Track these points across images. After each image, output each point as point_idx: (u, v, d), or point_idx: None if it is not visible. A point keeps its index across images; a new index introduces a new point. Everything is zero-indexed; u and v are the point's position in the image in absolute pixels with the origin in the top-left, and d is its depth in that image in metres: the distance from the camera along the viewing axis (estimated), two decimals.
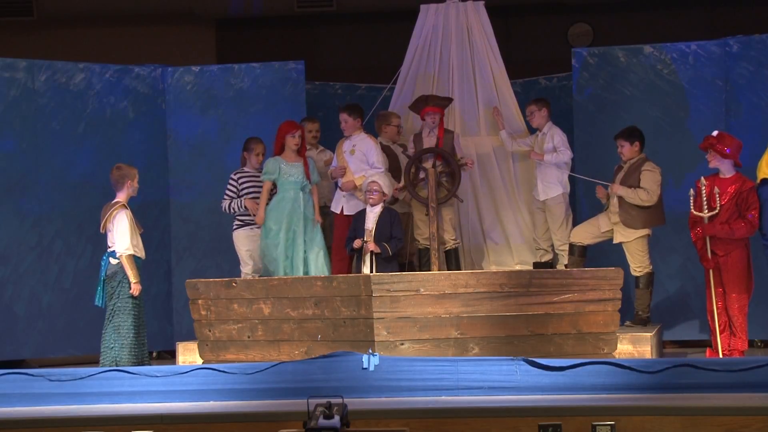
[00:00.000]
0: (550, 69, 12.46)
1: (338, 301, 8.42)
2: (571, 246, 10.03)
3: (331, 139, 10.86)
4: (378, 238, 9.59)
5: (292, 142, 9.94)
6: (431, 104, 10.08)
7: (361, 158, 10.10)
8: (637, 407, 6.84)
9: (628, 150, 9.81)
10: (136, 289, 8.87)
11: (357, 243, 9.67)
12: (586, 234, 10.01)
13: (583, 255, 10.05)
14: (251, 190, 10.16)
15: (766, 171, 9.10)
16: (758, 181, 9.13)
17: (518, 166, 10.68)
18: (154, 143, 11.32)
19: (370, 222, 9.67)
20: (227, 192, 10.20)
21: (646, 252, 9.83)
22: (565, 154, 10.15)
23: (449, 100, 10.28)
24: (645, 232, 9.80)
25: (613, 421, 6.59)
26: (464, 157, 10.13)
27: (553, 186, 10.20)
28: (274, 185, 10.00)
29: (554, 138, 10.19)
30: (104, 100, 11.13)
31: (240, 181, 10.18)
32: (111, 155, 10.68)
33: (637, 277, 9.83)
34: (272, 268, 9.89)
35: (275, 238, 9.88)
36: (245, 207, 10.08)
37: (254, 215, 10.04)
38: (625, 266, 9.54)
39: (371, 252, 9.61)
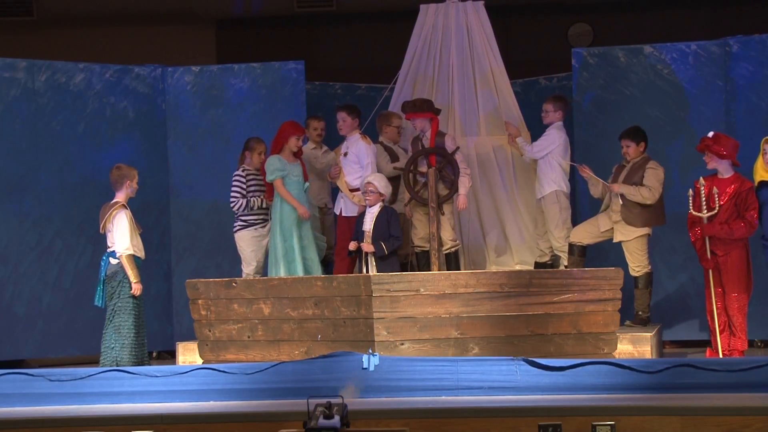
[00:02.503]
0: (550, 69, 12.46)
1: (338, 301, 8.42)
2: (571, 246, 10.03)
3: (330, 138, 10.86)
4: (375, 238, 9.59)
5: (294, 143, 9.95)
6: (406, 110, 10.06)
7: (354, 160, 10.11)
8: (637, 407, 6.84)
9: (634, 150, 9.82)
10: (137, 289, 8.88)
11: (352, 245, 9.69)
12: (586, 234, 10.01)
13: (583, 255, 10.04)
14: (256, 188, 10.16)
15: (763, 174, 9.10)
16: (756, 183, 9.13)
17: (518, 166, 10.68)
18: (154, 143, 11.32)
19: (367, 223, 9.69)
20: (237, 190, 10.12)
21: (646, 252, 9.83)
22: (530, 152, 10.12)
23: (423, 102, 10.14)
24: (645, 231, 9.80)
25: (613, 421, 6.59)
26: (466, 176, 10.05)
27: (546, 184, 10.19)
28: None
29: (545, 137, 10.15)
30: (104, 100, 11.13)
31: (248, 178, 10.17)
32: (111, 155, 10.69)
33: (636, 278, 9.83)
34: (287, 267, 9.80)
35: (291, 238, 9.83)
36: (266, 205, 10.04)
37: (253, 226, 10.06)
38: (624, 266, 9.55)
39: (366, 252, 9.63)
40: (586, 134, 10.74)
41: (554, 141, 10.14)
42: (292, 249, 9.81)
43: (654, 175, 9.71)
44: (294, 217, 9.81)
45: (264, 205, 10.10)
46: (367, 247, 9.62)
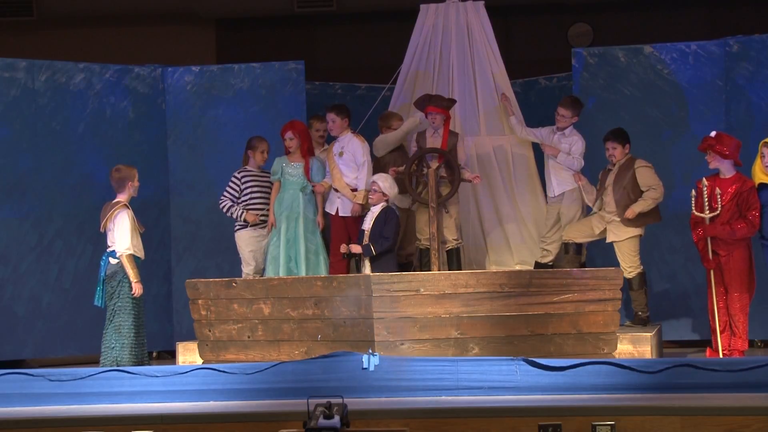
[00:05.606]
0: (550, 69, 12.46)
1: (338, 301, 8.41)
2: (566, 245, 10.03)
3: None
4: (373, 238, 9.58)
5: (284, 143, 10.06)
6: (433, 104, 10.07)
7: (350, 159, 10.11)
8: (637, 407, 6.84)
9: (620, 152, 9.82)
10: (137, 288, 8.88)
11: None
12: (578, 233, 10.00)
13: (579, 253, 10.04)
14: (254, 188, 10.19)
15: (761, 176, 9.10)
16: (756, 185, 9.12)
17: (518, 165, 10.68)
18: (154, 143, 11.32)
19: (367, 222, 9.68)
20: (228, 191, 10.21)
21: (637, 253, 9.82)
22: (579, 163, 10.13)
23: (452, 101, 10.26)
24: (637, 231, 9.79)
25: (613, 421, 6.59)
26: (467, 169, 10.11)
27: (565, 182, 10.17)
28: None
29: (573, 145, 10.15)
30: (104, 100, 11.13)
31: (243, 180, 10.20)
32: (111, 155, 10.69)
33: (629, 279, 9.81)
34: (271, 267, 9.94)
35: (275, 238, 9.98)
36: (245, 219, 10.12)
37: (252, 226, 10.12)
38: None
39: (355, 253, 9.64)
40: (585, 134, 10.72)
41: (581, 144, 10.16)
42: (275, 247, 10.01)
43: (649, 174, 9.72)
44: (275, 217, 10.01)
45: (241, 220, 10.14)
46: (355, 248, 9.61)
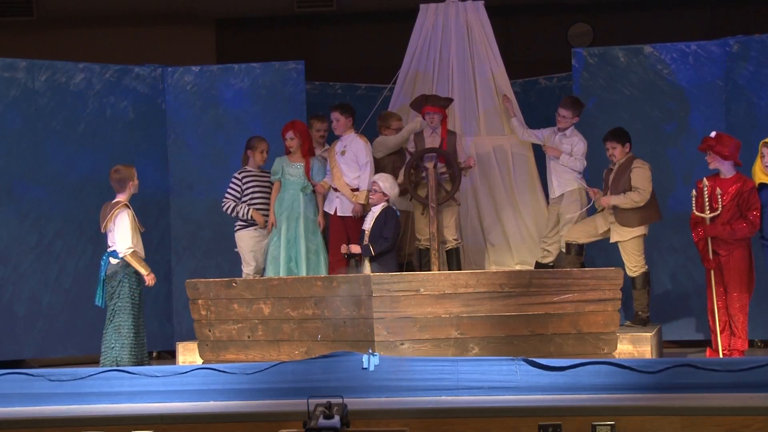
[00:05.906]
0: (550, 69, 12.46)
1: (338, 301, 8.41)
2: (568, 245, 10.03)
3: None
4: (373, 239, 9.58)
5: (285, 143, 10.06)
6: (430, 104, 10.08)
7: (352, 158, 10.11)
8: (637, 407, 6.84)
9: (620, 151, 9.82)
10: (150, 279, 8.90)
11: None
12: (582, 233, 10.01)
13: (581, 254, 10.04)
14: (255, 188, 10.19)
15: (761, 176, 9.10)
16: (756, 185, 9.12)
17: (518, 165, 10.68)
18: (154, 143, 11.32)
19: (368, 222, 9.68)
20: (230, 192, 10.20)
21: (642, 252, 9.82)
22: (582, 164, 10.14)
23: (449, 100, 10.27)
24: (641, 231, 9.79)
25: (613, 421, 6.59)
26: (466, 160, 10.14)
27: (566, 182, 10.17)
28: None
29: (574, 146, 10.16)
30: (104, 100, 11.13)
31: (244, 180, 10.20)
32: (111, 155, 10.68)
33: (633, 278, 9.81)
34: (271, 267, 9.95)
35: (275, 238, 9.98)
36: (251, 217, 10.11)
37: (262, 227, 10.12)
38: (623, 266, 9.56)
39: (355, 253, 9.64)
40: (586, 134, 10.73)
41: (583, 145, 10.17)
42: (275, 247, 10.02)
43: (641, 175, 9.70)
44: (276, 217, 9.97)
45: (248, 217, 10.14)
46: (354, 248, 9.61)
